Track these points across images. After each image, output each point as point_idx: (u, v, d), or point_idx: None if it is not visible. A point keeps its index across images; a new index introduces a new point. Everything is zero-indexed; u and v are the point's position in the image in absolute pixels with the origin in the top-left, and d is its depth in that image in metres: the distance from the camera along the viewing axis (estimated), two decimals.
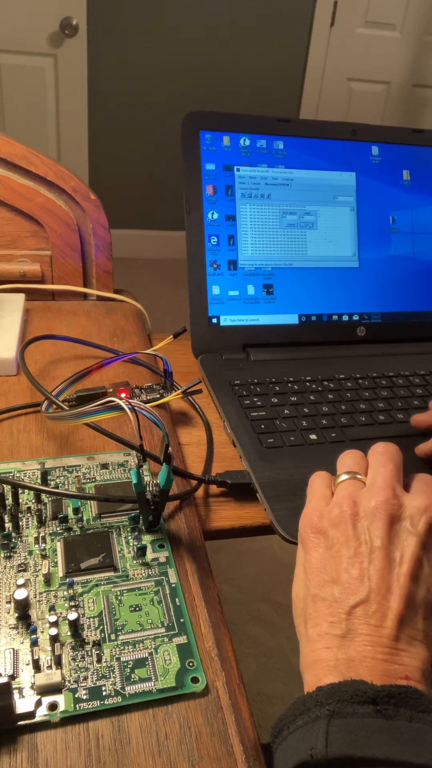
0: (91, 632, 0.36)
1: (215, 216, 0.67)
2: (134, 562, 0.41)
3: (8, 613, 0.36)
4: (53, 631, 0.35)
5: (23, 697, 0.32)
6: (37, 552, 0.40)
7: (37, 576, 0.39)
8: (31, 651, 0.34)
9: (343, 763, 0.27)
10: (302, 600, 0.36)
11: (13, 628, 0.36)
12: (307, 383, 0.63)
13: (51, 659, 0.34)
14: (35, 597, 0.38)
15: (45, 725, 0.32)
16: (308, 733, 0.29)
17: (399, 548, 0.34)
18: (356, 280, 0.72)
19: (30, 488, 0.44)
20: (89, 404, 0.42)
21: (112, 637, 0.36)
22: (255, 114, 0.68)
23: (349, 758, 0.27)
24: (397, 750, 0.27)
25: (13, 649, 0.34)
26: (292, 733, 0.29)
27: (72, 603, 0.37)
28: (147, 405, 0.40)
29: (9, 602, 0.37)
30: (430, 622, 0.33)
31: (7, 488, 0.43)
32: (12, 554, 0.40)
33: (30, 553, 0.40)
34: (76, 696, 0.33)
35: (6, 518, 0.42)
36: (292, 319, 0.70)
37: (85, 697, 0.33)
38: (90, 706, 0.32)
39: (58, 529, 0.42)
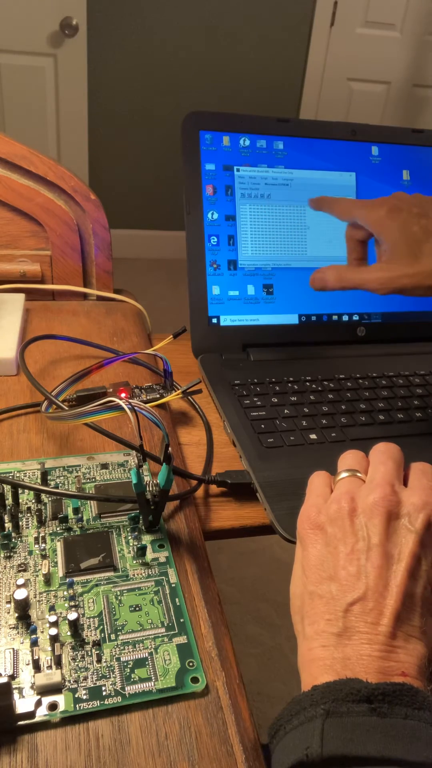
0: (91, 632, 0.36)
1: (215, 216, 0.67)
2: (134, 562, 0.41)
3: (8, 613, 0.36)
4: (53, 631, 0.35)
5: (23, 697, 0.32)
6: (37, 552, 0.40)
7: (37, 576, 0.39)
8: (31, 651, 0.34)
9: (339, 762, 0.27)
10: (300, 597, 0.36)
11: (13, 628, 0.36)
12: (307, 383, 0.63)
13: (51, 659, 0.34)
14: (35, 597, 0.38)
15: (45, 725, 0.32)
16: (304, 732, 0.29)
17: (397, 545, 0.34)
18: None
19: (30, 488, 0.44)
20: (89, 404, 0.42)
21: (112, 637, 0.36)
22: (255, 114, 0.68)
23: (344, 757, 0.27)
24: (392, 748, 0.27)
25: (13, 649, 0.35)
26: (289, 733, 0.29)
27: (72, 603, 0.37)
28: (147, 405, 0.40)
29: (9, 602, 0.37)
30: (428, 619, 0.33)
31: (7, 488, 0.43)
32: (12, 554, 0.40)
33: (30, 553, 0.40)
34: (76, 696, 0.33)
35: (6, 518, 0.42)
36: (292, 319, 0.70)
37: (85, 697, 0.33)
38: (90, 706, 0.32)
39: (58, 529, 0.42)
